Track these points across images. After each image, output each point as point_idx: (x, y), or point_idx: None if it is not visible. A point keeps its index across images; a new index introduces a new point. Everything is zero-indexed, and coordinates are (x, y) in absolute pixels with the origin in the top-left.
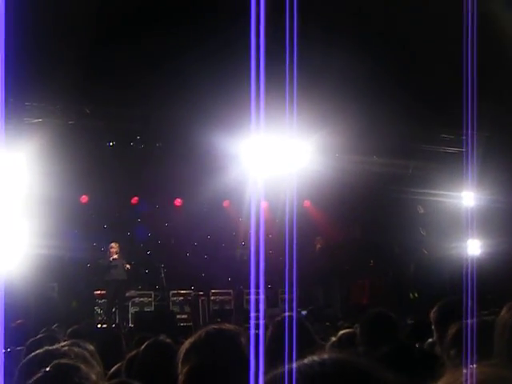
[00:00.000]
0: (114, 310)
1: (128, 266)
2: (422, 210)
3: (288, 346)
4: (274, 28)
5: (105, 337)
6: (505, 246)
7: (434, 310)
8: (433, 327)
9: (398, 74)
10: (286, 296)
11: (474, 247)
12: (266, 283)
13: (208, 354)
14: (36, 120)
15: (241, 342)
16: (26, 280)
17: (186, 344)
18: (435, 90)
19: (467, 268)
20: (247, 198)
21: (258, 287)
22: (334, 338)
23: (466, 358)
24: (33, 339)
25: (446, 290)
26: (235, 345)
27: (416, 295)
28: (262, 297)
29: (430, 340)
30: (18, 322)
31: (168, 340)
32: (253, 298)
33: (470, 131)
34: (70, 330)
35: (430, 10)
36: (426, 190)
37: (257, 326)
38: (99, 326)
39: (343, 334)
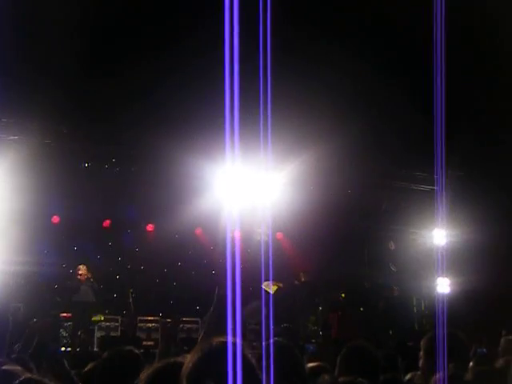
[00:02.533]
0: (79, 333)
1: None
2: (393, 247)
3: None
4: (249, 60)
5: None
6: (475, 284)
7: (425, 339)
8: (421, 354)
9: (375, 112)
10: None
11: (443, 285)
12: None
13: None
14: (12, 137)
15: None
16: None
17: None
18: (410, 128)
19: (437, 306)
20: (219, 226)
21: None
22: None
23: None
24: None
25: (415, 328)
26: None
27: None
28: (238, 325)
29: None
30: None
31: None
32: (229, 326)
33: (441, 170)
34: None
35: (402, 53)
36: (398, 227)
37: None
38: (63, 349)
39: (311, 366)
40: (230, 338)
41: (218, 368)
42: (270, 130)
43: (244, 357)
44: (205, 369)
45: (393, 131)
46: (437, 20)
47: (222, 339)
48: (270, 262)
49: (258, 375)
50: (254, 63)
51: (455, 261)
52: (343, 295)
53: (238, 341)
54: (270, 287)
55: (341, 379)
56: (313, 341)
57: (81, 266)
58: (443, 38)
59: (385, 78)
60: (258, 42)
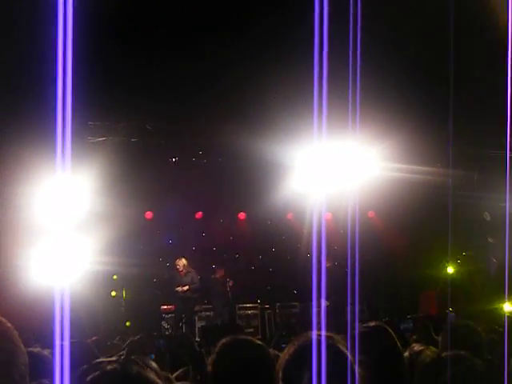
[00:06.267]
0: (181, 324)
1: (185, 287)
2: (488, 217)
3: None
4: (338, 37)
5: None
6: None
7: None
8: None
9: (461, 80)
10: (349, 308)
11: None
12: (331, 295)
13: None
14: (99, 139)
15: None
16: (95, 296)
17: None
18: (500, 93)
19: None
20: (311, 209)
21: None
22: (406, 353)
23: None
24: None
25: None
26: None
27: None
28: (323, 308)
29: None
30: (94, 338)
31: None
32: (315, 309)
33: None
34: (129, 341)
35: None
36: (493, 196)
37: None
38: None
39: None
40: (323, 332)
41: (312, 361)
42: (359, 108)
43: (338, 350)
44: (301, 361)
45: (481, 99)
46: None
47: (317, 332)
48: (356, 241)
49: (353, 369)
50: (342, 36)
51: None
52: (452, 269)
53: (323, 331)
54: None
55: (443, 354)
56: (408, 316)
57: (181, 259)
58: None
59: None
60: (348, 15)
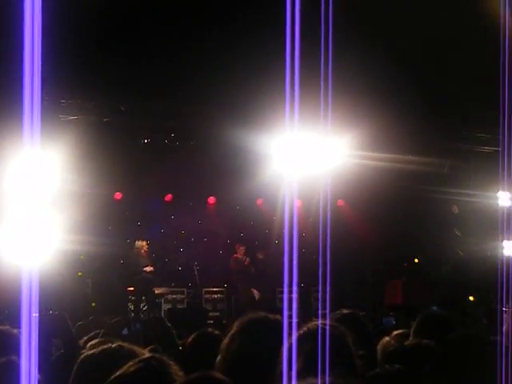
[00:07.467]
0: (143, 306)
1: (151, 268)
2: (456, 210)
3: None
4: (309, 26)
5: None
6: None
7: None
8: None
9: (434, 73)
10: (320, 295)
11: (510, 248)
12: (299, 282)
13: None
14: (71, 117)
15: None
16: (62, 276)
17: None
18: (471, 88)
19: (503, 269)
20: (281, 196)
21: (291, 286)
22: (387, 338)
23: None
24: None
25: (483, 292)
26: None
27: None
28: (294, 295)
29: None
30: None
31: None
32: (286, 296)
33: (506, 130)
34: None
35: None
36: (461, 190)
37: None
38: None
39: (398, 334)
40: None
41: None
42: (330, 97)
43: (343, 341)
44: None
45: (453, 93)
46: None
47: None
48: (328, 230)
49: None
50: (314, 29)
51: None
52: (416, 260)
53: (294, 314)
54: None
55: (406, 342)
56: (391, 314)
57: (139, 242)
58: None
59: (447, 40)
60: (320, 9)
